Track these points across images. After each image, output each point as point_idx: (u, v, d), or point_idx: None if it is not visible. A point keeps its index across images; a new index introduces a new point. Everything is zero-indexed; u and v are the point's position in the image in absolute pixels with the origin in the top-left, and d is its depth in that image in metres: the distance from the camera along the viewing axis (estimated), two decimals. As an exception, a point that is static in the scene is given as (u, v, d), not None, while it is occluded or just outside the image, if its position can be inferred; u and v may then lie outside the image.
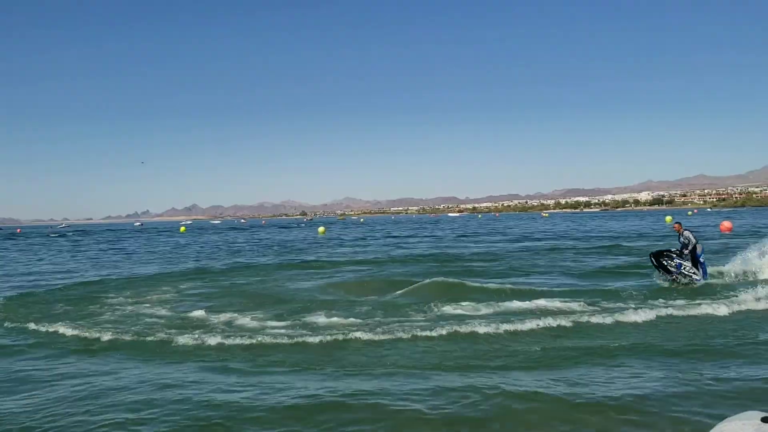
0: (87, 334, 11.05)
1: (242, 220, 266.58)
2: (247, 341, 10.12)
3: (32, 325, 12.05)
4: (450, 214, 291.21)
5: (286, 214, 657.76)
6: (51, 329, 11.65)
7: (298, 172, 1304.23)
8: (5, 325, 12.40)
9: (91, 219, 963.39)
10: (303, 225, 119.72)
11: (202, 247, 43.07)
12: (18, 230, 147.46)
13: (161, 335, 10.78)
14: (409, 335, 10.20)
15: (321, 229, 69.85)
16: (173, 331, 11.15)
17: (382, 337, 10.18)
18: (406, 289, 16.04)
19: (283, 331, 10.96)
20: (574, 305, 12.65)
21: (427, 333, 10.33)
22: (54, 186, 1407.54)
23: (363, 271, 22.03)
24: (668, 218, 74.81)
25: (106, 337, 10.76)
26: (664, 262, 15.94)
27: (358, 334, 10.31)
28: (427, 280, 16.87)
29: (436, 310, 12.64)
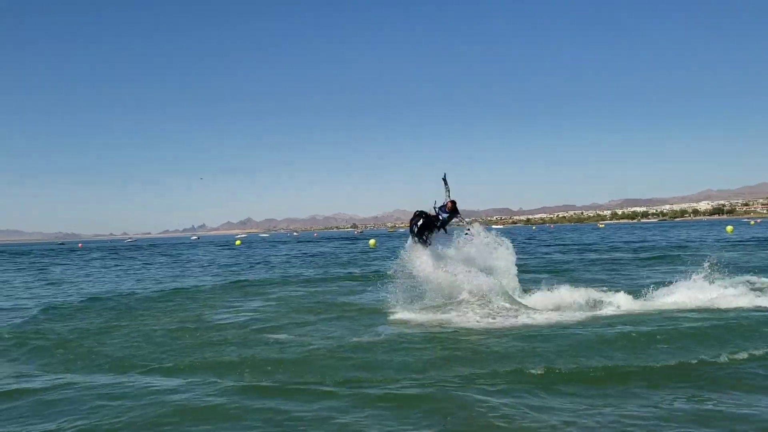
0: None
1: (294, 233, 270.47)
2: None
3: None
4: (495, 227, 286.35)
5: (337, 227, 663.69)
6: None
7: (348, 184, 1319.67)
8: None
9: (149, 233, 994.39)
10: (365, 237, 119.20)
11: (257, 259, 44.60)
12: (80, 245, 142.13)
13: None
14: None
15: (372, 241, 70.66)
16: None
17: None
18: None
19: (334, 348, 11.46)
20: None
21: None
22: (112, 200, 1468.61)
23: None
24: (729, 228, 71.91)
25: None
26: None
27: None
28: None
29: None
